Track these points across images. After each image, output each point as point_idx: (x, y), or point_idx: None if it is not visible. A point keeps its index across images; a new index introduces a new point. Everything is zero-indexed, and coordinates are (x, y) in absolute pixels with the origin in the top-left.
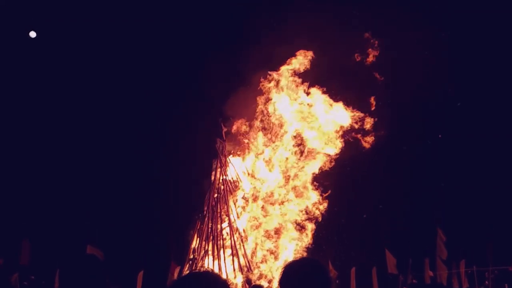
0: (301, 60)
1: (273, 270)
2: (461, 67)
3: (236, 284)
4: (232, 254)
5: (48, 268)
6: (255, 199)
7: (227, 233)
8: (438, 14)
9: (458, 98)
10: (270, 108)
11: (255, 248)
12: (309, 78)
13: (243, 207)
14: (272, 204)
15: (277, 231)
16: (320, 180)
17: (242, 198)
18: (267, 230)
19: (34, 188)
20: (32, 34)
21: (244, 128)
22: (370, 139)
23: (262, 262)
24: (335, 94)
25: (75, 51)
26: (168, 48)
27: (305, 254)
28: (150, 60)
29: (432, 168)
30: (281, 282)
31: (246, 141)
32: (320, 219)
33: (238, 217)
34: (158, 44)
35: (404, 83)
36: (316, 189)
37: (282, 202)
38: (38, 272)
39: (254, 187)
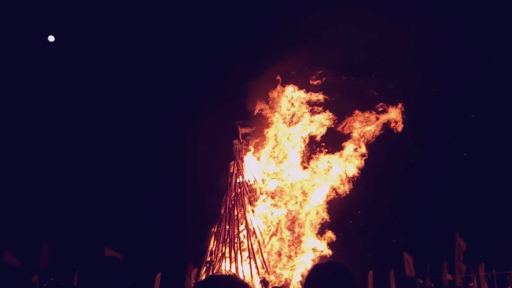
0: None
1: (290, 272)
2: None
3: (254, 286)
4: (249, 257)
5: (67, 270)
6: (272, 202)
7: (244, 235)
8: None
9: (472, 108)
10: (290, 106)
11: (272, 251)
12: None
13: (260, 210)
14: (290, 206)
15: (295, 234)
16: (339, 183)
17: (259, 200)
18: (284, 233)
19: (53, 193)
20: (51, 38)
21: (263, 127)
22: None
23: (279, 264)
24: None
25: (93, 54)
26: (186, 49)
27: (322, 257)
28: (168, 61)
29: (451, 173)
30: (307, 284)
31: (264, 141)
32: (338, 222)
33: (255, 220)
34: (175, 45)
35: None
36: (335, 192)
37: (300, 204)
38: (57, 274)
39: (272, 190)
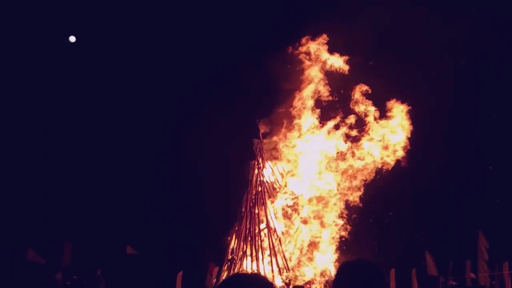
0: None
1: (312, 271)
2: None
3: (276, 285)
4: (270, 255)
5: (89, 268)
6: (293, 200)
7: (265, 234)
8: None
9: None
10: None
11: (294, 249)
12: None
13: (281, 208)
14: (311, 205)
15: (316, 232)
16: (361, 181)
17: (280, 199)
18: (306, 231)
19: (76, 191)
20: (72, 38)
21: (283, 125)
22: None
23: (300, 263)
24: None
25: (113, 55)
26: (204, 48)
27: (344, 255)
28: (186, 60)
29: (474, 170)
30: (337, 282)
31: (284, 139)
32: (360, 220)
33: (276, 219)
34: (192, 44)
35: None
36: (358, 189)
37: (321, 202)
38: (80, 272)
39: (292, 187)
